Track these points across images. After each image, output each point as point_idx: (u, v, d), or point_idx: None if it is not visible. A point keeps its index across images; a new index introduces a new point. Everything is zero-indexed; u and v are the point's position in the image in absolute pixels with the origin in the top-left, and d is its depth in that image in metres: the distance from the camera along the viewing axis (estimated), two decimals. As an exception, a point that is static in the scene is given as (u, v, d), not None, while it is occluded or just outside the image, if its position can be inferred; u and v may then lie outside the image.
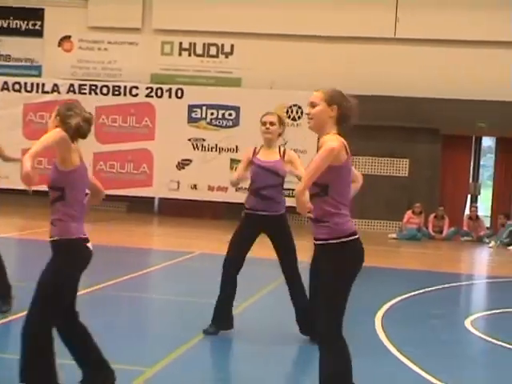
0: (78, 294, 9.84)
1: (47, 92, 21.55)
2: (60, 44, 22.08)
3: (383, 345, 8.17)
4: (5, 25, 22.25)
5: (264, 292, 11.01)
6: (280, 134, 8.23)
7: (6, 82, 21.57)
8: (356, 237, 5.42)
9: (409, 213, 20.38)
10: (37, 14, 22.08)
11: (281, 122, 8.23)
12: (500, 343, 8.57)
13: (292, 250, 8.24)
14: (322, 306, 5.53)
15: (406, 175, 21.21)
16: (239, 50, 21.42)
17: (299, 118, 20.54)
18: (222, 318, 8.04)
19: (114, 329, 8.34)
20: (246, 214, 8.23)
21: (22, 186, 20.71)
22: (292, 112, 20.61)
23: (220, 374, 7.09)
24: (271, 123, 8.13)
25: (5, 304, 8.66)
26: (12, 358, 6.76)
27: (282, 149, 8.21)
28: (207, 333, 8.00)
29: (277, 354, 7.65)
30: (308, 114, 5.58)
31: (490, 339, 8.77)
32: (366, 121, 20.31)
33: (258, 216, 8.08)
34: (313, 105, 5.54)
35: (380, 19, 20.80)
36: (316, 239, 5.46)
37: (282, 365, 7.44)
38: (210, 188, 20.69)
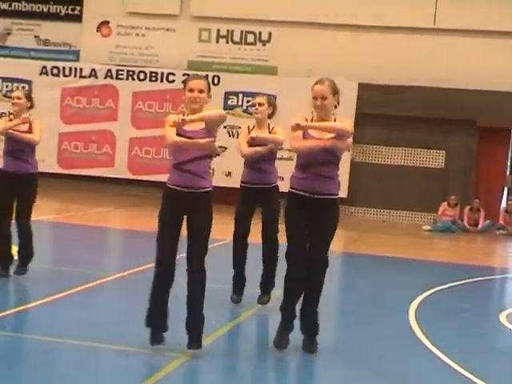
0: (114, 277, 9.95)
1: (85, 77, 21.67)
2: (98, 29, 22.17)
3: (417, 337, 8.13)
4: (45, 9, 22.37)
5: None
6: (271, 115, 8.76)
7: (44, 67, 21.73)
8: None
9: (444, 205, 20.26)
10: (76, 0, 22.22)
11: (269, 103, 8.73)
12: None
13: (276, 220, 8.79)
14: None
15: (442, 167, 21.08)
16: (277, 37, 21.37)
17: (336, 107, 20.41)
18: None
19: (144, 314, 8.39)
20: (241, 188, 8.88)
21: (57, 170, 20.76)
22: (329, 101, 20.51)
23: (249, 362, 7.09)
24: (260, 104, 8.71)
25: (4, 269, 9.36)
26: (39, 338, 6.83)
27: (270, 126, 8.71)
28: (233, 300, 8.77)
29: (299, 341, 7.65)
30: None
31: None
32: (403, 111, 20.37)
33: (253, 189, 8.72)
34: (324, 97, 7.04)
35: (419, 9, 20.65)
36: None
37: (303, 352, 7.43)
38: (245, 176, 20.68)
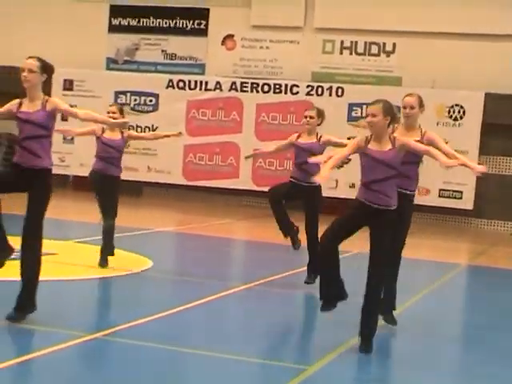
0: (239, 289, 10.04)
1: (210, 89, 21.99)
2: (223, 43, 22.48)
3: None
4: (171, 24, 22.85)
5: (424, 292, 10.88)
6: (319, 124, 10.37)
7: (171, 80, 22.17)
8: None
9: None
10: (202, 14, 22.57)
11: (319, 115, 10.37)
12: None
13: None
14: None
15: None
16: (401, 48, 21.17)
17: (461, 117, 20.11)
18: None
19: (272, 325, 8.43)
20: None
21: (181, 181, 21.10)
22: (454, 112, 20.21)
23: (378, 375, 7.03)
24: (311, 117, 10.32)
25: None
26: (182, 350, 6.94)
27: (318, 135, 10.39)
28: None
29: (433, 355, 7.53)
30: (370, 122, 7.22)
31: None
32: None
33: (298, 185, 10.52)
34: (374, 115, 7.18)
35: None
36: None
37: (439, 367, 7.30)
38: (368, 187, 20.53)
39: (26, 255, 7.19)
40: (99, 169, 10.41)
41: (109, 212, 10.46)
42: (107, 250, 10.51)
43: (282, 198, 10.48)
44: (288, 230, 10.57)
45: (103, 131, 10.44)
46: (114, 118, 10.17)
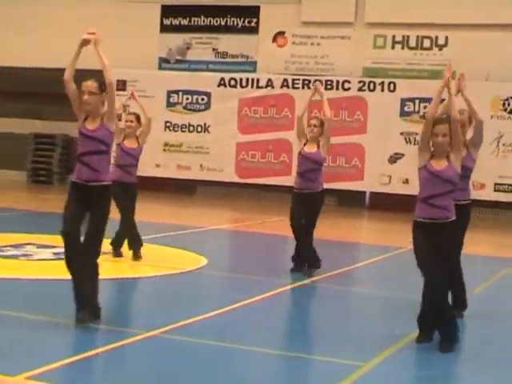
0: (292, 286, 10.04)
1: (261, 87, 22.02)
2: (274, 40, 22.48)
3: None
4: (222, 23, 22.92)
5: (481, 288, 10.78)
6: (320, 134, 10.59)
7: (222, 78, 22.25)
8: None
9: None
10: (253, 12, 22.60)
11: (322, 125, 10.66)
12: None
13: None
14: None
15: None
16: (454, 41, 20.97)
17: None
18: None
19: (326, 322, 8.43)
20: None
21: (234, 179, 21.20)
22: (509, 104, 19.96)
23: (437, 372, 6.97)
24: (315, 125, 10.68)
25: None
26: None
27: (320, 142, 10.59)
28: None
29: (493, 351, 7.46)
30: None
31: None
32: None
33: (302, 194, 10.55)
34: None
35: None
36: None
37: (500, 363, 7.23)
38: (422, 182, 20.37)
39: (86, 271, 7.25)
40: (117, 179, 10.30)
41: (126, 217, 10.86)
42: (117, 244, 11.06)
43: (300, 221, 10.56)
44: (313, 263, 10.64)
45: (124, 138, 10.91)
46: (132, 127, 10.90)
